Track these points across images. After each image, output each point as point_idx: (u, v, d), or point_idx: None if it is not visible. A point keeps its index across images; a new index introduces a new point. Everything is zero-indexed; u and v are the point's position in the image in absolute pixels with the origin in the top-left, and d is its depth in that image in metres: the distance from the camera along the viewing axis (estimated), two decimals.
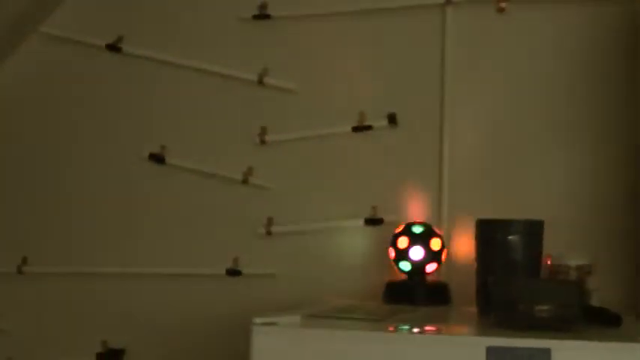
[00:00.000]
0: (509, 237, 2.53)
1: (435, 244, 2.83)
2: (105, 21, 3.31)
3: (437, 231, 2.87)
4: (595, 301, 2.49)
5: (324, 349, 2.18)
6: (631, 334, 2.23)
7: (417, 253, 2.79)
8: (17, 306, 3.31)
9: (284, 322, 2.27)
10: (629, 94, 2.86)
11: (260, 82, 3.15)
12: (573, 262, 2.61)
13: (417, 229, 2.84)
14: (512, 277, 2.44)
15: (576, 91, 2.93)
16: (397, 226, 2.90)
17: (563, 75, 2.95)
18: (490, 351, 2.06)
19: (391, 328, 2.27)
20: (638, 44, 2.81)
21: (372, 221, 3.05)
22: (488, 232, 2.59)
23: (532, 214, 2.63)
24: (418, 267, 2.80)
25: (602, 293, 2.52)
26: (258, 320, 2.24)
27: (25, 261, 3.30)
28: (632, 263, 2.77)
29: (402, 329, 2.27)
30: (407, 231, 2.84)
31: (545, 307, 2.22)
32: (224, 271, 3.14)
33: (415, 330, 2.26)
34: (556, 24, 2.96)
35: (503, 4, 3.00)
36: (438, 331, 2.31)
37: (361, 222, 3.06)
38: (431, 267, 2.83)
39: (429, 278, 2.85)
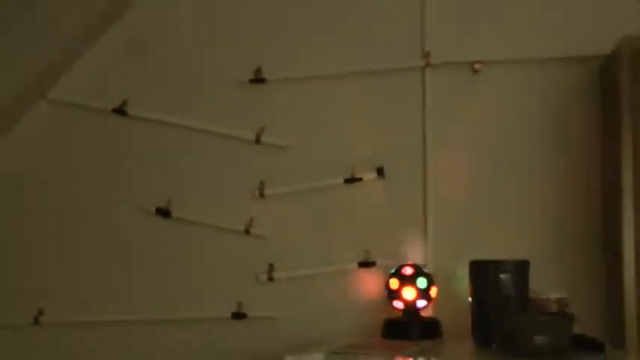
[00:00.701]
0: (501, 275, 2.73)
1: (422, 283, 2.99)
2: (110, 86, 3.45)
3: (425, 271, 3.04)
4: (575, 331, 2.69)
5: None
6: (616, 358, 2.44)
7: (408, 293, 2.97)
8: (34, 356, 3.41)
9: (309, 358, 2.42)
10: (589, 147, 3.09)
11: (257, 140, 3.32)
12: (553, 296, 2.80)
13: (407, 271, 3.02)
14: (510, 310, 2.62)
15: (544, 143, 3.15)
16: (389, 268, 3.08)
17: (533, 127, 3.16)
18: None
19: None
20: (592, 102, 3.06)
21: (366, 264, 3.22)
22: (480, 272, 2.77)
23: (510, 255, 2.84)
24: (410, 305, 2.97)
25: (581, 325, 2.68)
26: (289, 358, 2.38)
27: (41, 312, 3.40)
28: (603, 296, 2.99)
29: None
30: (397, 273, 3.02)
31: (542, 338, 2.41)
32: (230, 315, 3.28)
33: None
34: (524, 83, 3.18)
35: (477, 66, 3.20)
36: None
37: (355, 265, 3.23)
38: (421, 303, 2.99)
39: (422, 315, 3.01)
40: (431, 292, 3.02)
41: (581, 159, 3.12)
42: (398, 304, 3.00)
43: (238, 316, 3.28)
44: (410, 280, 3.00)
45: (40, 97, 3.43)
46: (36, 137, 3.48)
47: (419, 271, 3.03)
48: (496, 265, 2.75)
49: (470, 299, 2.81)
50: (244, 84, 3.35)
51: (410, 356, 2.49)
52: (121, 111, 3.40)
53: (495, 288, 2.74)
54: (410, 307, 3.00)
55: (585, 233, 3.08)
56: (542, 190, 3.13)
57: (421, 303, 3.00)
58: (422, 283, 3.00)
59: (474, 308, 2.80)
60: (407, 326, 2.98)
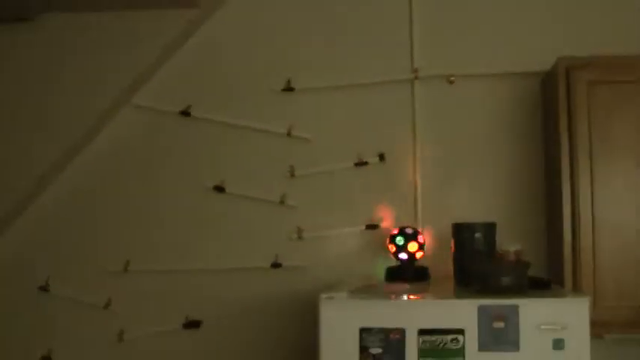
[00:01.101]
0: (476, 234, 3.02)
1: (412, 247, 3.28)
2: (178, 94, 3.64)
3: (419, 231, 3.33)
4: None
5: (368, 313, 2.64)
6: (559, 294, 2.76)
7: (412, 247, 3.27)
8: (124, 294, 3.63)
9: (338, 296, 2.71)
10: (536, 141, 3.45)
11: (288, 134, 3.57)
12: (512, 248, 3.09)
13: (409, 231, 3.30)
14: (484, 260, 2.92)
15: (502, 137, 3.49)
16: (390, 230, 3.37)
17: (493, 125, 3.50)
18: (480, 308, 2.57)
19: (411, 297, 2.75)
20: (536, 107, 3.43)
21: (371, 227, 3.51)
22: (460, 231, 3.07)
23: (481, 218, 3.16)
24: (411, 256, 3.27)
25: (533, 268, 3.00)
26: (323, 296, 2.66)
27: (128, 262, 3.63)
28: (547, 249, 3.32)
29: (420, 298, 2.75)
30: (401, 232, 3.30)
31: (507, 279, 2.71)
32: (269, 265, 3.55)
33: (427, 298, 2.76)
34: (486, 91, 3.50)
35: (452, 78, 3.49)
36: (445, 299, 2.78)
37: (363, 228, 3.52)
38: (419, 254, 3.29)
39: (415, 264, 3.31)
40: (416, 255, 3.30)
41: (529, 149, 3.47)
42: (403, 256, 3.27)
43: (276, 265, 3.53)
44: (412, 238, 3.28)
45: (126, 103, 3.63)
46: (125, 133, 3.66)
47: (416, 232, 3.30)
48: (472, 227, 3.04)
49: (452, 252, 3.10)
50: (278, 92, 3.60)
51: (409, 294, 2.78)
52: (186, 113, 3.61)
53: (471, 243, 3.03)
54: (410, 257, 3.27)
55: (533, 202, 3.43)
56: (501, 172, 3.47)
57: (419, 254, 3.28)
58: (420, 239, 3.29)
59: (455, 258, 3.09)
60: (405, 271, 3.27)
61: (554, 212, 3.22)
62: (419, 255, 3.28)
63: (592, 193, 3.04)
